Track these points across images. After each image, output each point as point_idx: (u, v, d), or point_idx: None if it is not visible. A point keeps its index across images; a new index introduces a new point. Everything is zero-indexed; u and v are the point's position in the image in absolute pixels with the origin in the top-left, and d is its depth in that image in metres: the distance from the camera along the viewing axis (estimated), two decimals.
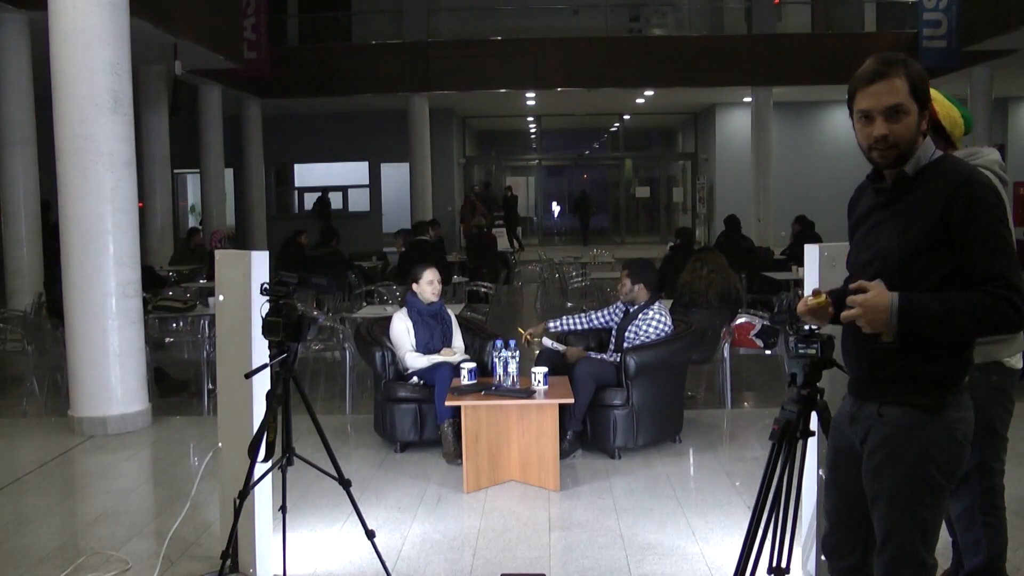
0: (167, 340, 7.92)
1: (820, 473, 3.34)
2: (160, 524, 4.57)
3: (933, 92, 2.83)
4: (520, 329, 6.12)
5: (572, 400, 5.18)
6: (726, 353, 6.86)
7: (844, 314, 2.36)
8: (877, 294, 2.30)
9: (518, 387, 5.23)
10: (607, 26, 20.06)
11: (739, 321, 6.89)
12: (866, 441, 2.47)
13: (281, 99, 18.48)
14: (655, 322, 5.82)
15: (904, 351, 2.36)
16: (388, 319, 6.15)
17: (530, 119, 25.87)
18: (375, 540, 3.69)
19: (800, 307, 2.53)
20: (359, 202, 23.33)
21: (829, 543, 2.69)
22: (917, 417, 2.37)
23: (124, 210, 6.50)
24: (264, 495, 3.78)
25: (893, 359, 2.39)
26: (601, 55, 18.35)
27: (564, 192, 30.47)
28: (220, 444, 3.93)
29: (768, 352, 6.89)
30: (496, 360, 5.37)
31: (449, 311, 6.24)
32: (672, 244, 11.46)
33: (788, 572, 2.79)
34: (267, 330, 3.42)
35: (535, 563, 4.02)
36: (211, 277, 7.44)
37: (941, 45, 15.64)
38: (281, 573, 3.74)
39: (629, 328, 5.85)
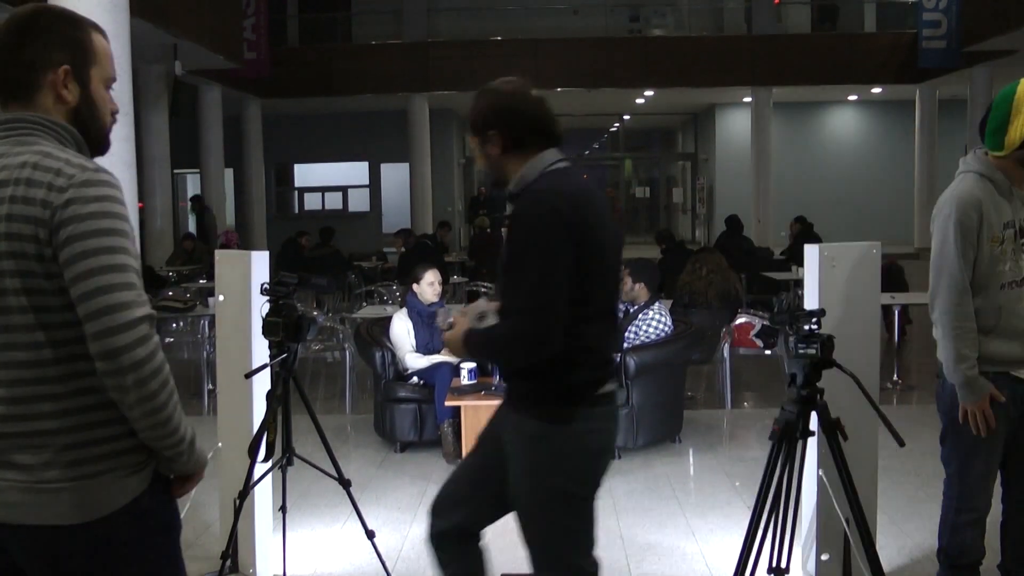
0: (167, 340, 7.91)
1: (820, 473, 3.34)
2: None
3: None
4: None
5: None
6: (726, 353, 6.85)
7: None
8: None
9: None
10: (607, 26, 20.05)
11: (739, 321, 6.89)
12: None
13: (281, 99, 18.47)
14: (655, 322, 5.82)
15: None
16: (388, 319, 6.15)
17: None
18: (375, 540, 3.68)
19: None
20: (359, 202, 23.33)
21: None
22: None
23: None
24: (264, 495, 3.78)
25: None
26: (601, 55, 18.35)
27: None
28: (220, 444, 3.93)
29: (768, 352, 6.90)
30: None
31: (449, 311, 6.23)
32: (661, 249, 11.49)
33: (788, 572, 2.80)
34: (267, 330, 3.42)
35: None
36: (211, 277, 7.42)
37: (941, 45, 15.64)
38: (281, 573, 3.75)
39: (629, 328, 5.85)
